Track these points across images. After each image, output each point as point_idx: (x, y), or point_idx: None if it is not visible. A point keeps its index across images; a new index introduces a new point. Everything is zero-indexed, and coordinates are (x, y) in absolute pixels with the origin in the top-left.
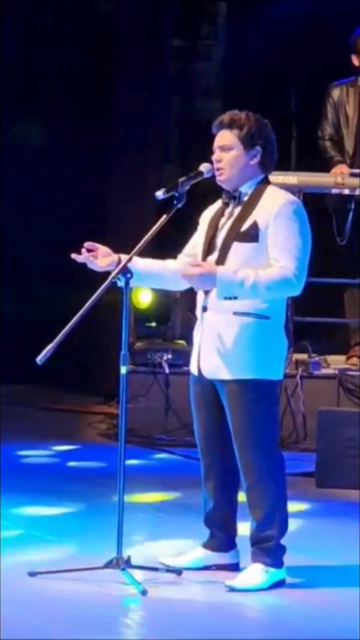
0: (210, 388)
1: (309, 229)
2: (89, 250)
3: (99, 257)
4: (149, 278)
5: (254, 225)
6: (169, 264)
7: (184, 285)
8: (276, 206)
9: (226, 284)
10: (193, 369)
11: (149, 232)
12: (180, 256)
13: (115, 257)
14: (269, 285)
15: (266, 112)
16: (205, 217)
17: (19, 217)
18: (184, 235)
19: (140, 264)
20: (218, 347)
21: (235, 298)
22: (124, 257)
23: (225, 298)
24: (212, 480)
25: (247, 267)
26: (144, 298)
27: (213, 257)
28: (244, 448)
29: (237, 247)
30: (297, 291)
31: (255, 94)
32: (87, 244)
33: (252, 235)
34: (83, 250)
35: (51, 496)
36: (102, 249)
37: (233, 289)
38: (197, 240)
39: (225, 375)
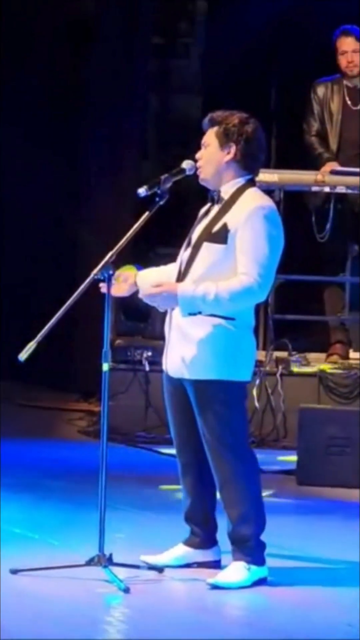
0: (180, 387)
1: (280, 236)
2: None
3: (120, 283)
4: None
5: (224, 228)
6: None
7: None
8: (246, 211)
9: (188, 301)
10: (164, 366)
11: (126, 230)
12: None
13: (132, 279)
14: (231, 296)
15: (245, 110)
16: (200, 213)
17: None
18: (164, 233)
19: (146, 280)
20: (184, 347)
21: (200, 313)
22: (140, 274)
23: (190, 314)
24: (190, 477)
25: (214, 267)
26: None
27: (187, 253)
28: (214, 448)
29: (206, 247)
30: (261, 298)
31: (234, 91)
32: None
33: (221, 237)
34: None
35: (32, 493)
36: (123, 274)
37: (195, 304)
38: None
39: (190, 375)
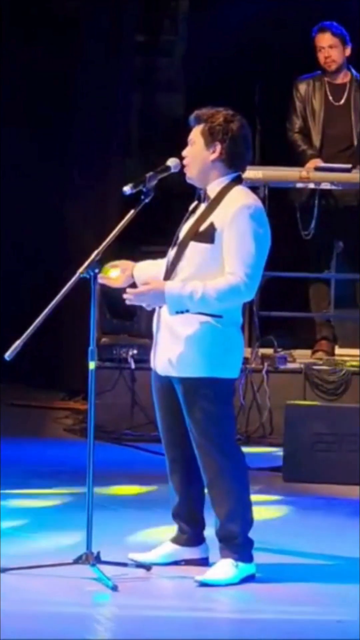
0: (168, 384)
1: (267, 233)
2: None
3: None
4: None
5: (211, 227)
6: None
7: None
8: (233, 210)
9: (175, 299)
10: (152, 364)
11: (112, 228)
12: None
13: (129, 272)
14: (218, 295)
15: (229, 106)
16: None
17: None
18: (149, 231)
19: (143, 272)
20: (172, 344)
21: (187, 311)
22: (138, 265)
23: (177, 312)
24: (177, 475)
25: (201, 267)
26: (113, 274)
27: (173, 251)
28: (202, 445)
29: (193, 246)
30: (248, 297)
31: (217, 88)
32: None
33: (208, 236)
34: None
35: (18, 492)
36: (121, 264)
37: (183, 303)
38: None
39: (178, 372)
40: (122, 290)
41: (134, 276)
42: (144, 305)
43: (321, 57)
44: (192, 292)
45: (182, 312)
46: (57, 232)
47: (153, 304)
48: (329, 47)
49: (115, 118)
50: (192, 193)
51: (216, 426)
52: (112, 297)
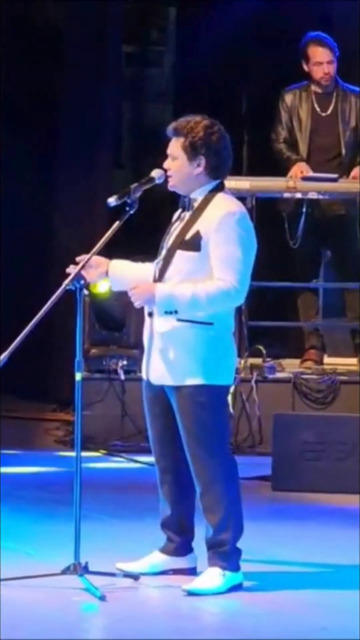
0: (161, 393)
1: (252, 239)
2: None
3: (91, 267)
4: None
5: (197, 235)
6: (144, 268)
7: None
8: (217, 217)
9: (164, 300)
10: (143, 374)
11: (98, 238)
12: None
13: (104, 268)
14: (208, 299)
15: (217, 117)
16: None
17: None
18: (136, 241)
19: (118, 271)
20: (164, 353)
21: (176, 312)
22: (113, 263)
23: (166, 313)
24: (168, 485)
25: (189, 275)
26: (102, 287)
27: (160, 260)
28: (196, 453)
29: (180, 255)
30: (237, 302)
31: (206, 98)
32: (78, 259)
33: (195, 244)
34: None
35: (8, 503)
36: (95, 259)
37: (173, 303)
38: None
39: (172, 381)
40: (110, 299)
41: (109, 274)
42: (134, 302)
43: (319, 71)
44: (182, 295)
45: (170, 313)
46: (44, 242)
47: (143, 302)
48: (327, 62)
49: (104, 128)
50: (177, 200)
51: (210, 434)
52: (101, 310)
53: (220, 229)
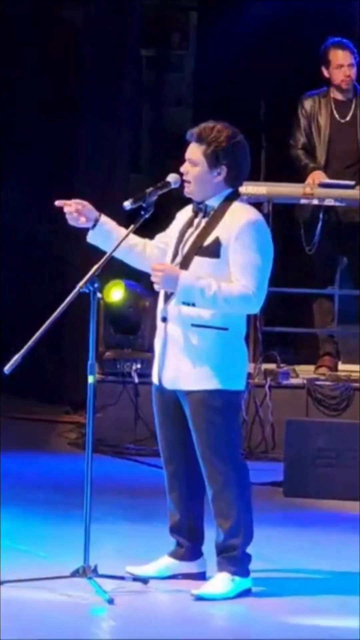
0: (172, 398)
1: (271, 247)
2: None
3: (82, 213)
4: (111, 238)
5: (216, 242)
6: (135, 238)
7: (137, 258)
8: (238, 225)
9: (188, 288)
10: (154, 378)
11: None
12: (153, 242)
13: (93, 216)
14: (228, 298)
15: (236, 122)
16: (180, 220)
17: None
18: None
19: (109, 223)
20: (178, 357)
21: (194, 305)
22: (103, 217)
23: (184, 303)
24: (177, 490)
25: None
26: (115, 295)
27: (176, 265)
28: (208, 458)
29: (198, 261)
30: (254, 309)
31: (225, 103)
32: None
33: (214, 251)
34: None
35: (19, 506)
36: (87, 206)
37: (193, 294)
38: (170, 234)
39: (186, 385)
40: (124, 306)
41: (101, 221)
42: (155, 283)
43: (339, 74)
44: (205, 288)
45: (188, 304)
46: (61, 244)
47: (163, 286)
48: (348, 65)
49: (121, 132)
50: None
51: (223, 438)
52: (115, 313)
53: (240, 236)
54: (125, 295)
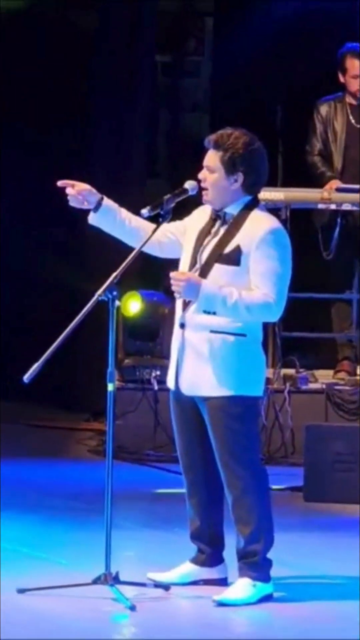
0: (191, 404)
1: (290, 255)
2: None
3: (84, 196)
4: (114, 221)
5: (237, 249)
6: (139, 221)
7: (140, 242)
8: (259, 233)
9: (209, 297)
10: (170, 383)
11: (133, 249)
12: (165, 228)
13: (95, 199)
14: (249, 306)
15: (252, 127)
16: (197, 219)
17: None
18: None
19: (112, 205)
20: (197, 364)
21: (214, 313)
22: (106, 200)
23: (205, 312)
24: (197, 497)
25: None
26: (133, 307)
27: (195, 274)
28: (228, 464)
29: (218, 268)
30: (275, 317)
31: (242, 109)
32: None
33: (234, 258)
34: (70, 190)
35: (40, 513)
36: (89, 189)
37: (215, 304)
38: (181, 228)
39: (205, 392)
40: (143, 318)
41: (104, 203)
42: (176, 291)
43: (355, 84)
44: (226, 297)
45: (209, 313)
46: (78, 252)
47: (185, 294)
48: None
49: (138, 138)
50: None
51: (242, 444)
52: (135, 325)
53: (261, 244)
54: (143, 306)
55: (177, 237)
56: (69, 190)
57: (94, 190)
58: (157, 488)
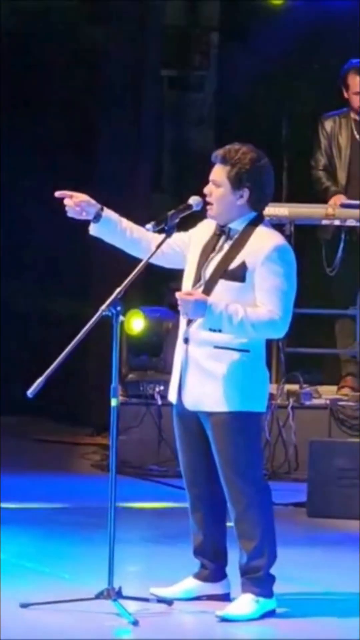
0: (194, 419)
1: (295, 272)
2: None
3: (83, 208)
4: (115, 231)
5: (242, 266)
6: (140, 232)
7: (142, 253)
8: (265, 250)
9: (216, 316)
10: (172, 397)
11: (137, 261)
12: (171, 240)
13: (94, 210)
14: (255, 324)
15: (257, 142)
16: (201, 234)
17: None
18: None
19: (113, 215)
20: (201, 379)
21: (220, 331)
22: (106, 210)
23: (210, 330)
24: (200, 512)
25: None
26: (136, 325)
27: (199, 289)
28: (231, 480)
29: (223, 284)
30: (280, 334)
31: (246, 123)
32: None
33: (239, 275)
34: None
35: (43, 527)
36: (88, 200)
37: (221, 322)
38: (186, 240)
39: (208, 407)
40: (146, 336)
41: (104, 213)
42: (182, 311)
43: (357, 100)
44: (232, 315)
45: (214, 331)
46: (82, 266)
47: (192, 313)
48: None
49: (143, 152)
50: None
51: (245, 460)
52: (139, 342)
53: (267, 261)
54: (146, 324)
55: (182, 249)
56: (67, 201)
57: (92, 201)
58: (161, 503)
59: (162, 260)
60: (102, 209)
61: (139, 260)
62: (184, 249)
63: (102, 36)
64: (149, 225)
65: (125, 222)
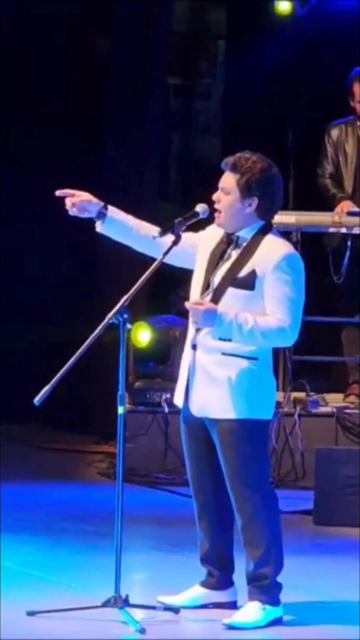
0: (200, 425)
1: (304, 281)
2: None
3: (84, 207)
4: (122, 230)
5: (252, 274)
6: (149, 229)
7: (150, 250)
8: (275, 258)
9: (225, 325)
10: (178, 401)
11: (143, 269)
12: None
13: (96, 208)
14: (265, 332)
15: (264, 150)
16: (209, 240)
17: (8, 262)
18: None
19: (118, 214)
20: (207, 385)
21: (230, 340)
22: (110, 208)
23: (220, 339)
24: (207, 520)
25: (242, 311)
26: (143, 337)
27: (208, 297)
28: (237, 487)
29: (231, 292)
30: (289, 343)
31: (253, 131)
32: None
33: (249, 283)
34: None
35: (50, 536)
36: (90, 199)
37: (231, 331)
38: (196, 241)
39: (215, 414)
40: (153, 347)
41: (109, 211)
42: (193, 320)
43: (359, 108)
44: (242, 324)
45: (224, 340)
46: (89, 273)
47: (203, 323)
48: None
49: (149, 160)
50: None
51: (252, 468)
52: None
53: (276, 269)
54: (153, 335)
55: (193, 250)
56: (68, 200)
57: (94, 200)
58: (168, 511)
59: (172, 259)
60: (105, 207)
61: (142, 271)
62: (195, 249)
63: (108, 44)
64: (155, 233)
65: (133, 220)
